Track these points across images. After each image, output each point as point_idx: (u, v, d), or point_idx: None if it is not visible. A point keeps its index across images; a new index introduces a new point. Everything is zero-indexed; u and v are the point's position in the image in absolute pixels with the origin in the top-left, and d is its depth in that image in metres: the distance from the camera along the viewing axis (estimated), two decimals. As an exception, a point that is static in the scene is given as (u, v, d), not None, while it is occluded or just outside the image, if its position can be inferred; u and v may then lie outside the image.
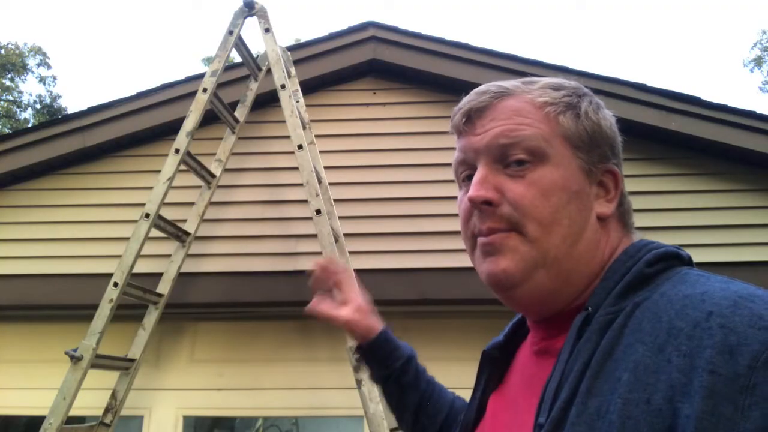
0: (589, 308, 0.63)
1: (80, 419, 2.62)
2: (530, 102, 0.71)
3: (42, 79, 19.71)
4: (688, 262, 0.68)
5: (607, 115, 0.74)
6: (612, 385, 0.55)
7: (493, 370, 0.80)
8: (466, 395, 0.82)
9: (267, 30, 2.65)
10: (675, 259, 0.66)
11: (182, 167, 2.45)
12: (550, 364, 0.65)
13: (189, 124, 2.45)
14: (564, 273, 0.67)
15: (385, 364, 1.07)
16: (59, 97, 19.97)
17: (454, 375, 2.65)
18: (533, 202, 0.67)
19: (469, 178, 0.73)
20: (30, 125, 17.03)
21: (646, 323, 0.57)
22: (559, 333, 0.68)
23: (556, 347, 0.67)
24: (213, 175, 2.70)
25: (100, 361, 2.23)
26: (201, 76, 2.76)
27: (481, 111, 0.73)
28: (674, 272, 0.64)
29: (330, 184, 2.74)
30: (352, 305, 1.07)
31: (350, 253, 2.61)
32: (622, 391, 0.54)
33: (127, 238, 2.30)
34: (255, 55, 2.87)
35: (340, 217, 2.68)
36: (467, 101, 0.75)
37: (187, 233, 2.60)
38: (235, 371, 2.78)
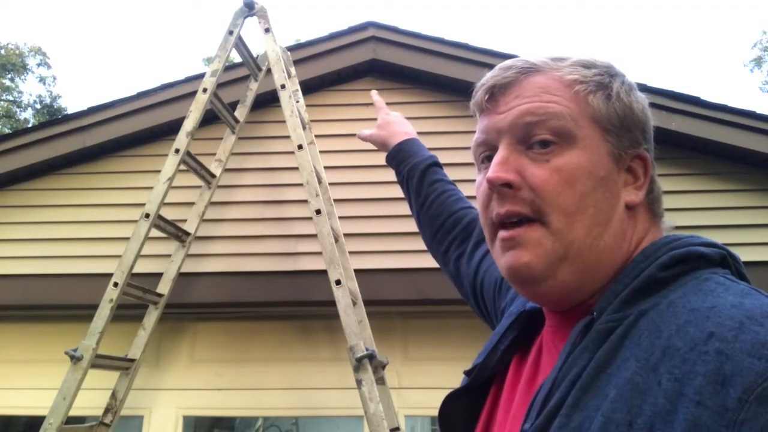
0: (594, 313, 0.59)
1: (80, 419, 2.62)
2: (558, 79, 0.66)
3: (42, 79, 19.69)
4: (719, 262, 0.62)
5: (640, 98, 0.69)
6: (599, 401, 0.52)
7: (522, 333, 0.74)
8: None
9: (267, 30, 2.65)
10: (699, 260, 0.60)
11: (182, 167, 2.45)
12: (550, 365, 0.63)
13: (189, 124, 2.45)
14: (588, 266, 0.63)
15: (397, 170, 1.30)
16: (59, 97, 19.95)
17: (455, 375, 2.66)
18: (556, 188, 0.62)
19: (489, 158, 0.68)
20: (30, 125, 17.03)
21: (646, 336, 0.53)
22: (566, 331, 0.64)
23: (560, 347, 0.64)
24: (213, 175, 2.70)
25: (100, 361, 2.23)
26: (201, 76, 2.76)
27: (506, 87, 0.67)
28: (693, 276, 0.59)
29: (330, 184, 2.74)
30: (377, 125, 1.38)
31: (350, 253, 2.61)
32: (606, 409, 0.51)
33: (127, 238, 2.30)
34: (255, 55, 2.87)
35: (340, 217, 2.68)
36: (491, 76, 0.69)
37: (187, 233, 2.60)
38: (235, 371, 2.78)
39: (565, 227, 0.62)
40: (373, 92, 1.57)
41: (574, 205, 0.62)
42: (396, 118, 1.39)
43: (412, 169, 1.24)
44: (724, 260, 0.62)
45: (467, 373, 0.77)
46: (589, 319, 0.59)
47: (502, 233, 0.65)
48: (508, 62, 0.69)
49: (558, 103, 0.64)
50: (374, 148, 3.46)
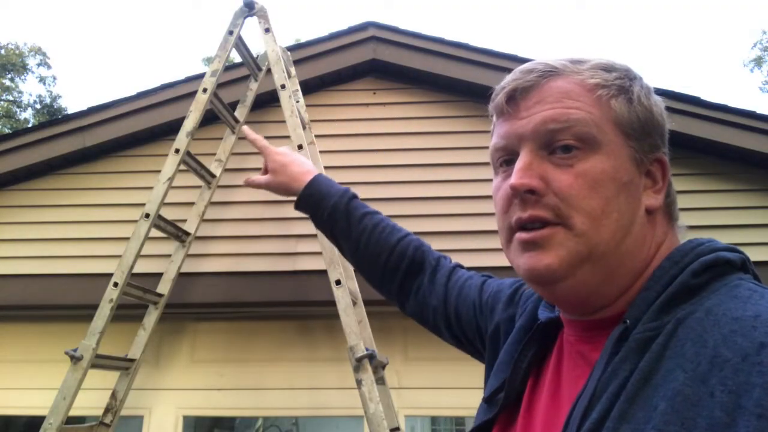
0: (627, 321, 0.59)
1: (80, 419, 2.62)
2: (580, 84, 0.66)
3: (42, 79, 19.68)
4: (741, 266, 0.63)
5: (658, 101, 0.70)
6: (648, 413, 0.51)
7: (541, 346, 0.73)
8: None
9: (267, 30, 2.65)
10: (726, 265, 0.61)
11: (182, 167, 2.45)
12: (581, 373, 0.62)
13: (189, 124, 2.45)
14: (609, 269, 0.62)
15: (314, 216, 1.20)
16: (59, 97, 19.95)
17: (456, 375, 2.66)
18: (581, 193, 0.62)
19: (507, 162, 0.68)
20: (30, 125, 17.03)
21: (689, 346, 0.53)
22: (595, 339, 0.64)
23: (590, 357, 0.63)
24: (213, 175, 2.70)
25: (100, 361, 2.23)
26: (201, 76, 2.76)
27: (527, 91, 0.67)
28: (723, 282, 0.59)
29: (330, 184, 2.73)
30: (269, 169, 1.26)
31: (350, 253, 2.60)
32: (657, 421, 0.50)
33: (127, 238, 2.30)
34: (255, 55, 2.87)
35: (340, 217, 2.67)
36: (511, 80, 0.68)
37: (187, 233, 2.60)
38: (235, 371, 2.78)
39: (589, 230, 0.61)
40: (245, 128, 1.41)
41: (600, 209, 0.62)
42: (289, 157, 1.26)
43: (333, 213, 1.15)
44: (744, 264, 0.64)
45: (487, 399, 0.75)
46: (623, 328, 0.59)
47: (522, 235, 0.64)
48: (528, 65, 0.69)
49: (581, 108, 0.64)
50: (374, 148, 3.45)
